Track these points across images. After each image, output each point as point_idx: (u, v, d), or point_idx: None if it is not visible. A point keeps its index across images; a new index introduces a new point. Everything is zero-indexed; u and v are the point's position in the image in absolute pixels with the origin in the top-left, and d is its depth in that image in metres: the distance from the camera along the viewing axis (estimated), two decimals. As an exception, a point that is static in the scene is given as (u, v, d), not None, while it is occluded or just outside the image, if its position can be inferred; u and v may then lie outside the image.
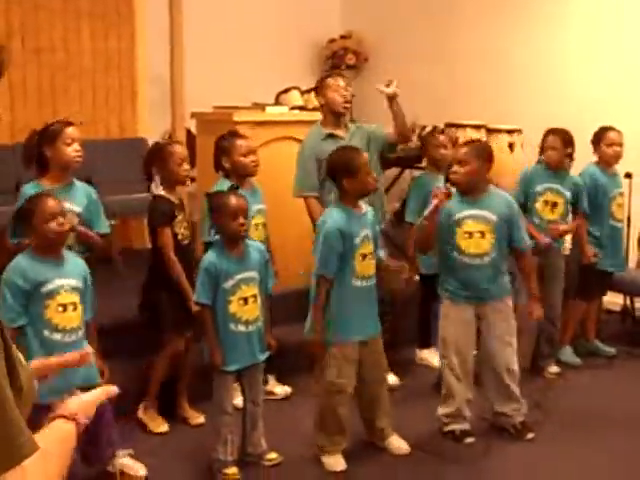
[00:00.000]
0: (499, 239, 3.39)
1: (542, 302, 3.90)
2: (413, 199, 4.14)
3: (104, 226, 3.33)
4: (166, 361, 3.44)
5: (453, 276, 3.42)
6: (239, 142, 3.59)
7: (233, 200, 2.99)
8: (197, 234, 3.93)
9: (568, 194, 4.20)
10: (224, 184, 3.44)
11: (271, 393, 3.80)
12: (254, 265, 3.08)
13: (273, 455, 3.20)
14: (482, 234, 3.35)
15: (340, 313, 3.13)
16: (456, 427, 3.45)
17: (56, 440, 1.17)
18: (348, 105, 3.86)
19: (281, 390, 3.87)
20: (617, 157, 4.37)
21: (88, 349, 1.67)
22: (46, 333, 2.66)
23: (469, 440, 3.43)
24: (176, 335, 3.43)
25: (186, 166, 3.38)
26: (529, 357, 4.25)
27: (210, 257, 3.03)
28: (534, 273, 3.62)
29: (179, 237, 3.39)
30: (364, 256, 3.15)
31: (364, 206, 3.23)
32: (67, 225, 2.76)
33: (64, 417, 1.23)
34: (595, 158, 4.42)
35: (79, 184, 3.29)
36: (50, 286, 2.66)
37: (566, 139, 4.14)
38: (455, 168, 3.35)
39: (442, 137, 4.26)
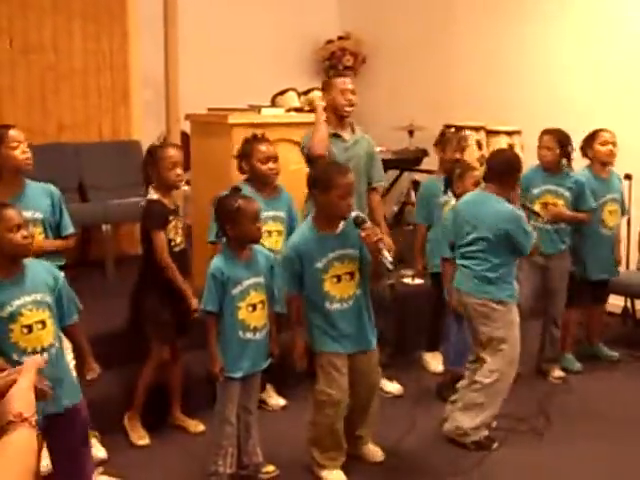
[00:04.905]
0: None
1: (546, 301, 4.16)
2: (421, 202, 4.26)
3: (69, 226, 3.19)
4: (151, 371, 3.36)
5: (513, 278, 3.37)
6: (259, 147, 3.53)
7: (250, 204, 2.92)
8: (193, 239, 3.79)
9: (568, 194, 4.11)
10: (242, 188, 3.29)
11: (265, 403, 3.70)
12: (261, 270, 3.00)
13: (270, 468, 3.11)
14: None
15: (325, 330, 3.02)
16: (480, 435, 3.39)
17: (14, 455, 1.06)
18: (351, 109, 3.69)
19: (275, 402, 3.77)
20: (612, 155, 4.22)
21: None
22: (15, 357, 2.45)
23: (496, 445, 3.38)
24: (161, 344, 3.35)
25: (178, 171, 3.26)
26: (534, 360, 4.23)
27: (217, 262, 2.94)
28: None
29: (172, 243, 3.30)
30: (338, 278, 3.00)
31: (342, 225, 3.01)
32: (30, 239, 2.52)
33: (12, 422, 1.09)
34: (587, 163, 4.29)
35: (35, 185, 3.11)
36: (9, 309, 2.45)
37: (561, 139, 4.05)
38: None
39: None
